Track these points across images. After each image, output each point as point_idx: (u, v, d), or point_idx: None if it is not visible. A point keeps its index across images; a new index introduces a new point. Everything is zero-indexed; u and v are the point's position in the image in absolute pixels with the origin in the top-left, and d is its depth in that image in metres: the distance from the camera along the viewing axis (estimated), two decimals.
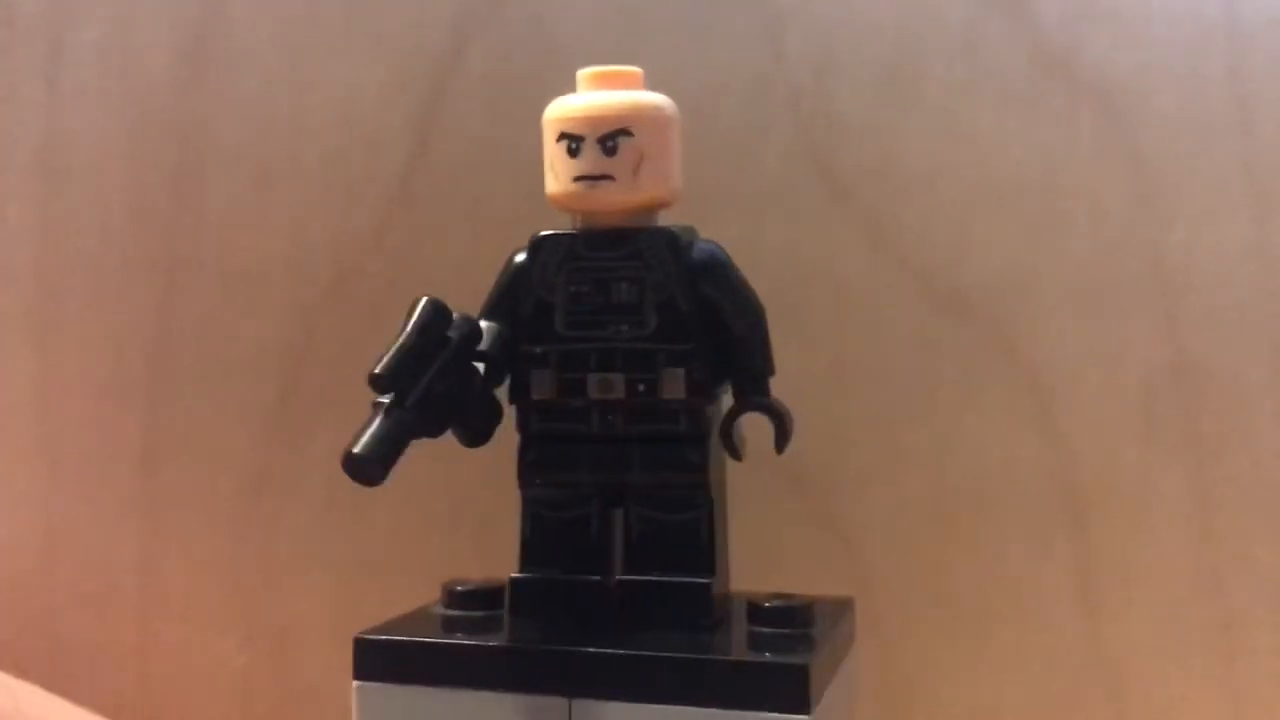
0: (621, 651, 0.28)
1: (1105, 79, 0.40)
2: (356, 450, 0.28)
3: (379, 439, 0.28)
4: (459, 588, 0.31)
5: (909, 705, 0.40)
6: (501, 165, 0.40)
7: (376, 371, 0.29)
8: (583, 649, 0.28)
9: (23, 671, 0.40)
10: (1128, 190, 0.40)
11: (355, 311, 0.41)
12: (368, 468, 0.28)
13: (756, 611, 0.30)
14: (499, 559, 0.32)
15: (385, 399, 0.29)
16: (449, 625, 0.30)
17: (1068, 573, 0.40)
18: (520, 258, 0.31)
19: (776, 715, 0.27)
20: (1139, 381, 0.40)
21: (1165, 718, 0.40)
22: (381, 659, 0.28)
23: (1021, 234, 0.40)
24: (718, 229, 0.32)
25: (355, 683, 0.28)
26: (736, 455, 0.31)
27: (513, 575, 0.31)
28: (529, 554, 0.31)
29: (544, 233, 0.31)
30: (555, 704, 0.27)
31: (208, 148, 0.40)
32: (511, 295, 0.31)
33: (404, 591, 0.33)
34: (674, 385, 0.30)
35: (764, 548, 0.33)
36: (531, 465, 0.31)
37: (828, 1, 0.40)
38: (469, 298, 0.31)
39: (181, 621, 0.40)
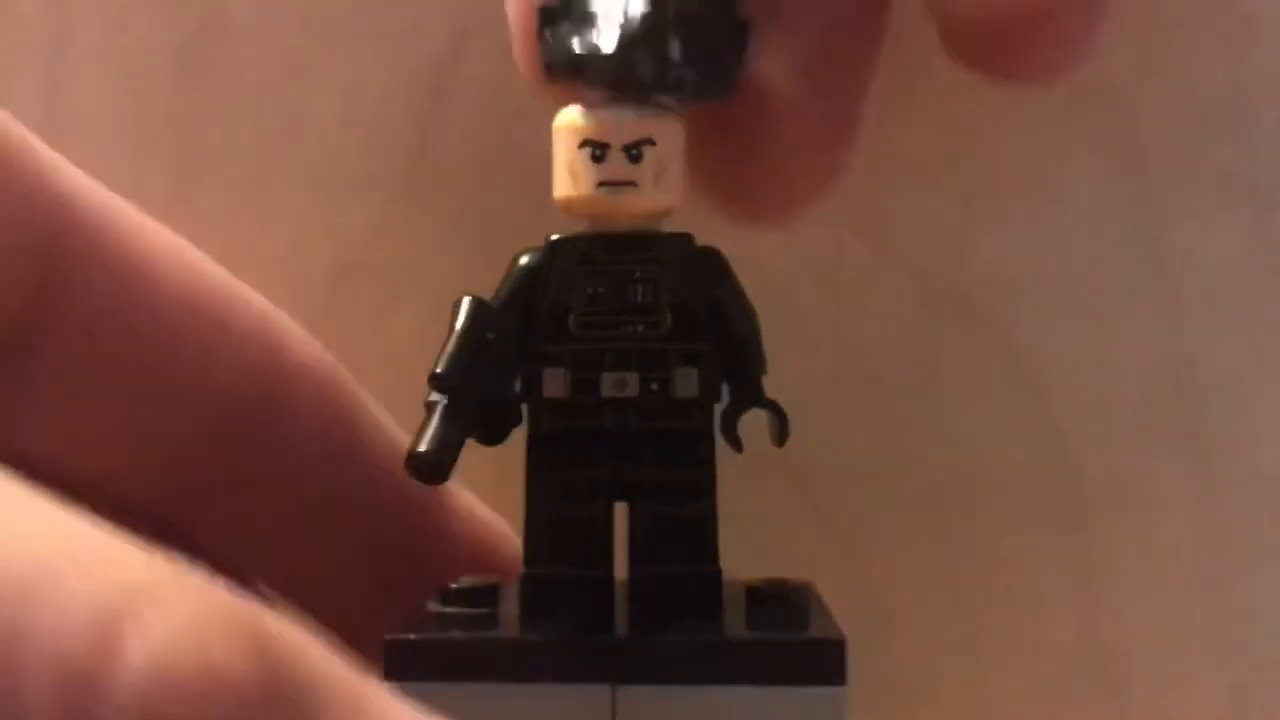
0: (668, 638, 0.29)
1: (1105, 79, 0.40)
2: (422, 449, 0.29)
3: (442, 438, 0.29)
4: (455, 585, 0.31)
5: (907, 704, 0.40)
6: (502, 165, 0.40)
7: (439, 370, 0.29)
8: (630, 638, 0.29)
9: None
10: (1128, 190, 0.40)
11: (355, 311, 0.41)
12: (432, 467, 0.29)
13: (757, 594, 0.31)
14: None
15: (440, 399, 0.29)
16: (458, 623, 0.30)
17: (1067, 572, 0.40)
18: (529, 260, 0.31)
19: (815, 689, 0.28)
20: (1139, 381, 0.40)
21: (1165, 716, 0.40)
22: (417, 659, 0.29)
23: (1021, 234, 0.40)
24: (717, 229, 0.32)
25: (385, 685, 0.28)
26: (740, 448, 0.32)
27: (524, 572, 0.31)
28: (534, 551, 0.31)
29: (556, 236, 0.31)
30: (599, 691, 0.28)
31: (207, 147, 0.40)
32: (525, 297, 0.31)
33: None
34: (687, 383, 0.31)
35: (762, 546, 0.33)
36: (541, 462, 0.31)
37: None
38: None
39: None
